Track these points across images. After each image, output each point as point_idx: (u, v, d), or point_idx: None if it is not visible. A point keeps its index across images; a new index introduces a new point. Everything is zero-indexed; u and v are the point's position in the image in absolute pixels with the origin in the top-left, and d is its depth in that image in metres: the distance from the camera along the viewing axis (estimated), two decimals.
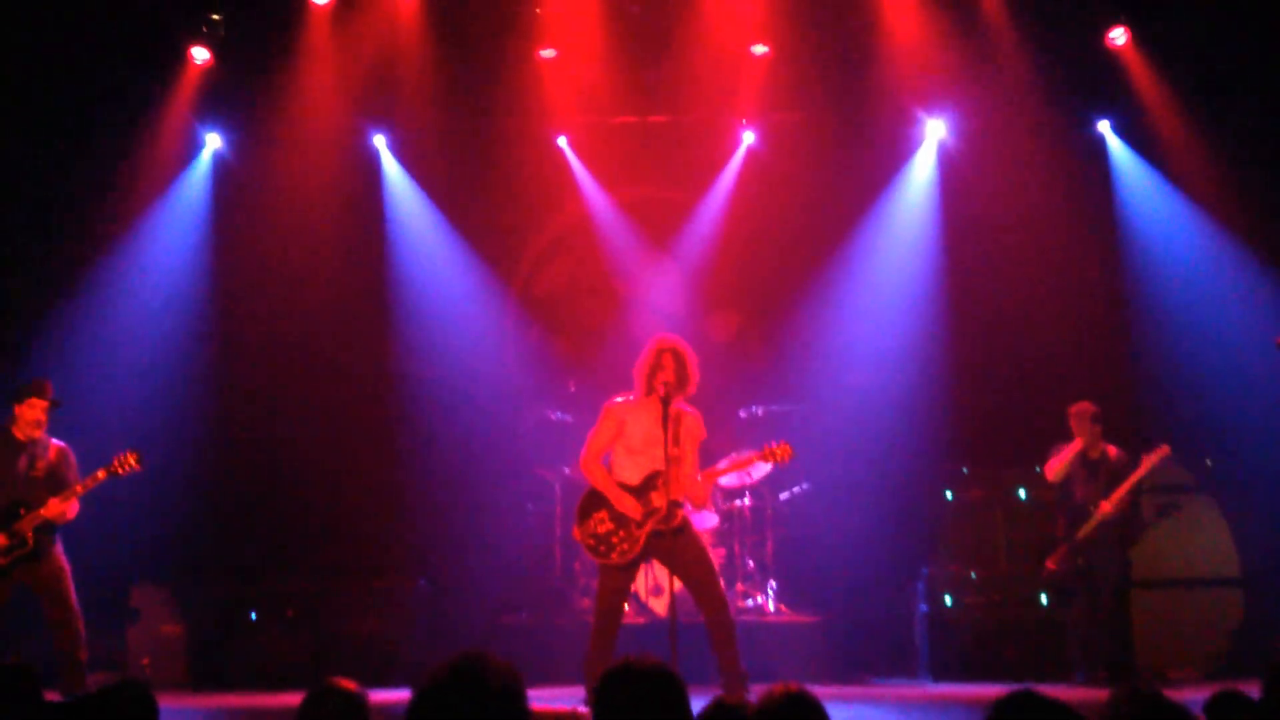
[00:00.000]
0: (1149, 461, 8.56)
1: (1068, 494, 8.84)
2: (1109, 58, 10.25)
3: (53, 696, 6.76)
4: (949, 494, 9.92)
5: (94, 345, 9.97)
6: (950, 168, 10.75)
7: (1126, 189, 10.67)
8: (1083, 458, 8.79)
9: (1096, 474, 8.73)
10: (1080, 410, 8.82)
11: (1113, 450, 8.79)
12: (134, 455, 7.53)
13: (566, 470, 9.76)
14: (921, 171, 10.83)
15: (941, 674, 9.10)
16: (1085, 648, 8.64)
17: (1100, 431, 8.79)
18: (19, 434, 7.61)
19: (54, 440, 7.75)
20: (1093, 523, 8.63)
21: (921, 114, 10.71)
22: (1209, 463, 9.50)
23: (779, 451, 7.18)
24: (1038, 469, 9.74)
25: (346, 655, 9.25)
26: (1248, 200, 9.92)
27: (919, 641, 9.44)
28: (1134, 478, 8.59)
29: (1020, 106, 10.30)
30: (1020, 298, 10.39)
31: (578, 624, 9.00)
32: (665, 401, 6.83)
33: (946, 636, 9.24)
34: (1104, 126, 10.69)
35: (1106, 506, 8.60)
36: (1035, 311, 10.35)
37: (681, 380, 6.98)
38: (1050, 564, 8.77)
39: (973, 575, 9.40)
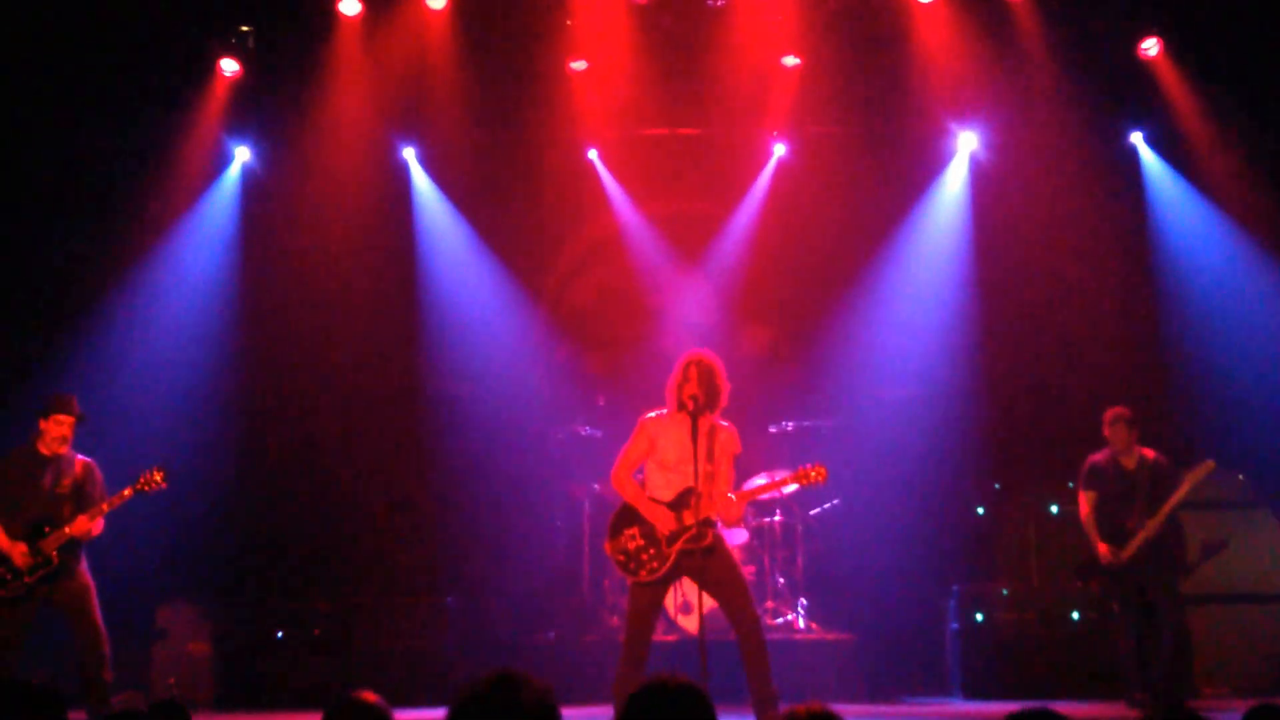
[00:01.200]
0: (1192, 478, 8.16)
1: (1105, 508, 8.42)
2: (1142, 69, 10.16)
3: (77, 717, 6.81)
4: (981, 509, 9.84)
5: (122, 360, 9.98)
6: (982, 180, 10.68)
7: (1159, 201, 10.58)
8: (1116, 468, 8.45)
9: (1136, 485, 8.35)
10: (1114, 415, 8.48)
11: (1151, 454, 8.43)
12: (160, 473, 7.51)
13: (596, 486, 9.72)
14: (954, 184, 10.76)
15: (974, 692, 9.02)
16: (1133, 671, 8.24)
17: (1136, 437, 8.44)
18: (44, 450, 7.56)
19: (80, 456, 7.71)
20: (1135, 543, 8.20)
21: (953, 126, 10.65)
22: (1241, 478, 9.39)
23: (814, 474, 7.10)
24: (1070, 484, 9.67)
25: (374, 674, 9.19)
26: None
27: (951, 659, 9.37)
28: (1177, 496, 8.19)
29: (1052, 118, 10.23)
30: (1053, 311, 10.35)
31: (607, 642, 8.96)
32: (694, 416, 6.78)
33: (979, 653, 9.15)
34: (1136, 138, 10.59)
35: (1151, 526, 8.18)
36: (1068, 325, 10.29)
37: (710, 394, 6.92)
38: (1094, 586, 8.53)
39: (1005, 592, 9.31)
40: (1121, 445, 8.44)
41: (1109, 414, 8.50)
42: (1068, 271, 10.30)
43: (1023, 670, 9.04)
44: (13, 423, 8.17)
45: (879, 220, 10.78)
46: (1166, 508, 8.21)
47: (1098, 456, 8.52)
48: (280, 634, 9.62)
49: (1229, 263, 10.16)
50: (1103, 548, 8.27)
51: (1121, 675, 8.33)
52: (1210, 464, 8.17)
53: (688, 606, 9.07)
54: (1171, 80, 10.14)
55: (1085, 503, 8.48)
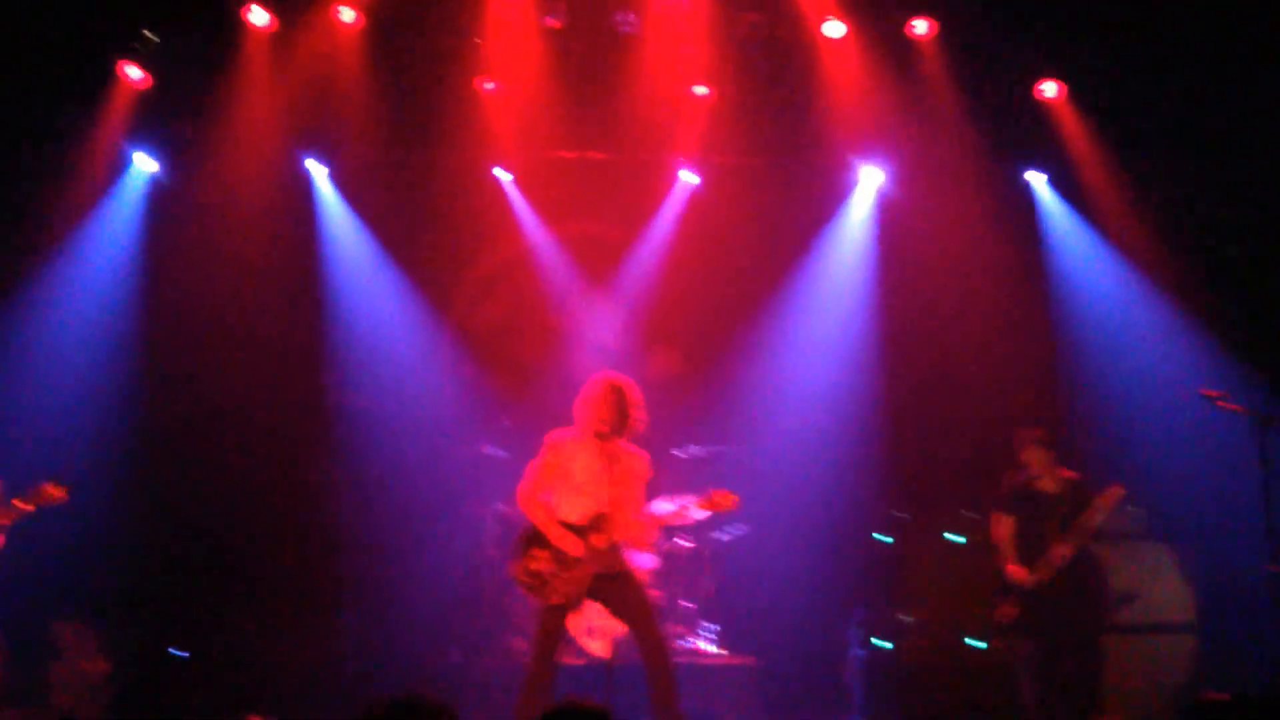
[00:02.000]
0: (1101, 503, 8.05)
1: (1023, 533, 8.28)
2: (1040, 109, 10.42)
3: None
4: (886, 538, 9.97)
5: (17, 370, 9.69)
6: (886, 214, 10.84)
7: (1056, 238, 10.83)
8: (1032, 492, 8.29)
9: (1054, 510, 8.19)
10: (1028, 437, 8.34)
11: (1074, 477, 8.31)
12: (59, 487, 7.31)
13: (500, 506, 9.65)
14: (858, 217, 10.91)
15: (875, 718, 9.11)
16: (1039, 700, 8.25)
17: (1053, 458, 8.31)
18: None
19: None
20: (1049, 569, 8.10)
21: (858, 161, 10.81)
22: (1132, 510, 9.61)
23: (723, 501, 7.15)
24: (972, 514, 9.85)
25: (272, 692, 9.01)
26: (1173, 251, 10.15)
27: (853, 684, 9.44)
28: (1086, 522, 8.06)
29: (954, 155, 10.42)
30: (954, 343, 10.51)
31: (509, 664, 8.90)
32: (603, 439, 6.80)
33: (880, 680, 9.25)
34: (1034, 176, 10.85)
35: (1063, 551, 8.07)
36: (968, 357, 10.46)
37: (623, 418, 6.95)
38: (1006, 611, 8.26)
39: (907, 619, 9.44)
40: (1036, 468, 8.29)
41: (1022, 435, 8.38)
42: (968, 304, 10.51)
43: (924, 697, 9.15)
44: None
45: (786, 249, 10.89)
46: (1073, 536, 8.08)
47: (1015, 479, 8.41)
48: (178, 651, 9.44)
49: (1123, 299, 10.44)
50: (1011, 567, 8.17)
51: (1023, 705, 8.37)
52: (1120, 490, 8.07)
53: (593, 630, 9.00)
54: (1069, 121, 10.42)
55: (1001, 526, 8.36)
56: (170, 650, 9.46)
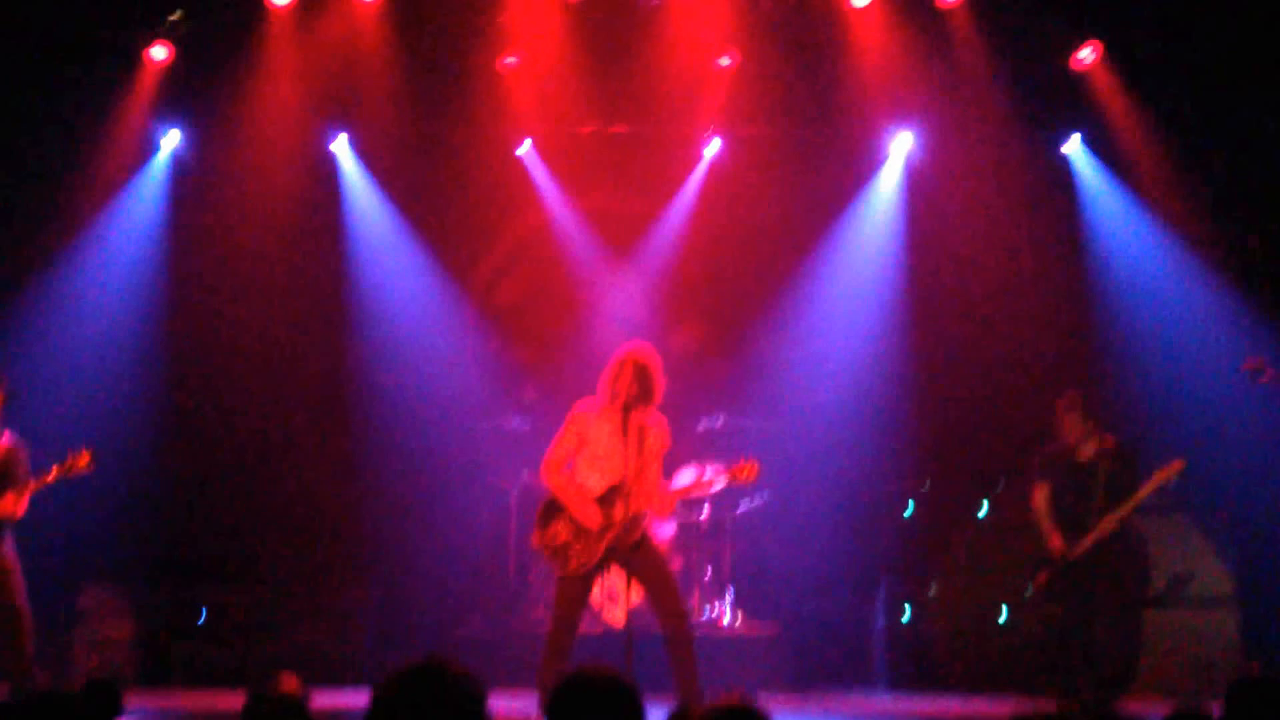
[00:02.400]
0: (1159, 477, 7.75)
1: (1061, 502, 8.05)
2: (1077, 75, 10.27)
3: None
4: (909, 509, 9.92)
5: (48, 342, 9.79)
6: (916, 182, 10.71)
7: (1093, 206, 10.64)
8: (1070, 459, 8.03)
9: (1094, 477, 7.94)
10: (1066, 402, 8.07)
11: (1111, 443, 8.01)
12: (87, 455, 7.42)
13: (523, 478, 9.69)
14: (887, 186, 10.78)
15: (899, 687, 9.10)
16: (1071, 671, 7.98)
17: (1094, 427, 8.01)
18: None
19: (8, 433, 7.58)
20: (1087, 540, 7.86)
21: (888, 128, 10.68)
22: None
23: (745, 471, 7.12)
24: (997, 486, 9.79)
25: (297, 659, 9.06)
26: (1213, 218, 9.97)
27: (877, 654, 9.42)
28: (1140, 495, 7.80)
29: (988, 122, 10.30)
30: (986, 314, 10.40)
31: (531, 633, 8.92)
32: (625, 410, 6.79)
33: (904, 650, 9.25)
34: (1072, 143, 10.66)
35: (1103, 525, 7.83)
36: (1000, 328, 10.36)
37: (645, 390, 6.95)
38: (1041, 580, 8.02)
39: (932, 590, 9.40)
40: (1075, 434, 8.03)
41: (1062, 401, 8.11)
42: (1001, 274, 10.37)
43: (947, 667, 9.13)
44: None
45: (812, 221, 10.80)
46: (1126, 507, 7.85)
47: (1052, 448, 8.18)
48: (202, 618, 9.56)
49: (1163, 267, 10.24)
50: (1055, 540, 7.94)
51: (1058, 673, 8.12)
52: (1180, 463, 7.79)
53: (614, 599, 9.07)
54: (1107, 87, 10.26)
55: (1039, 495, 8.12)
56: (196, 615, 9.57)
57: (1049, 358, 10.22)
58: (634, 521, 6.84)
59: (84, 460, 7.41)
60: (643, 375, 6.96)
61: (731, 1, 10.10)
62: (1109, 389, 9.92)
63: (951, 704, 8.82)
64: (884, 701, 8.90)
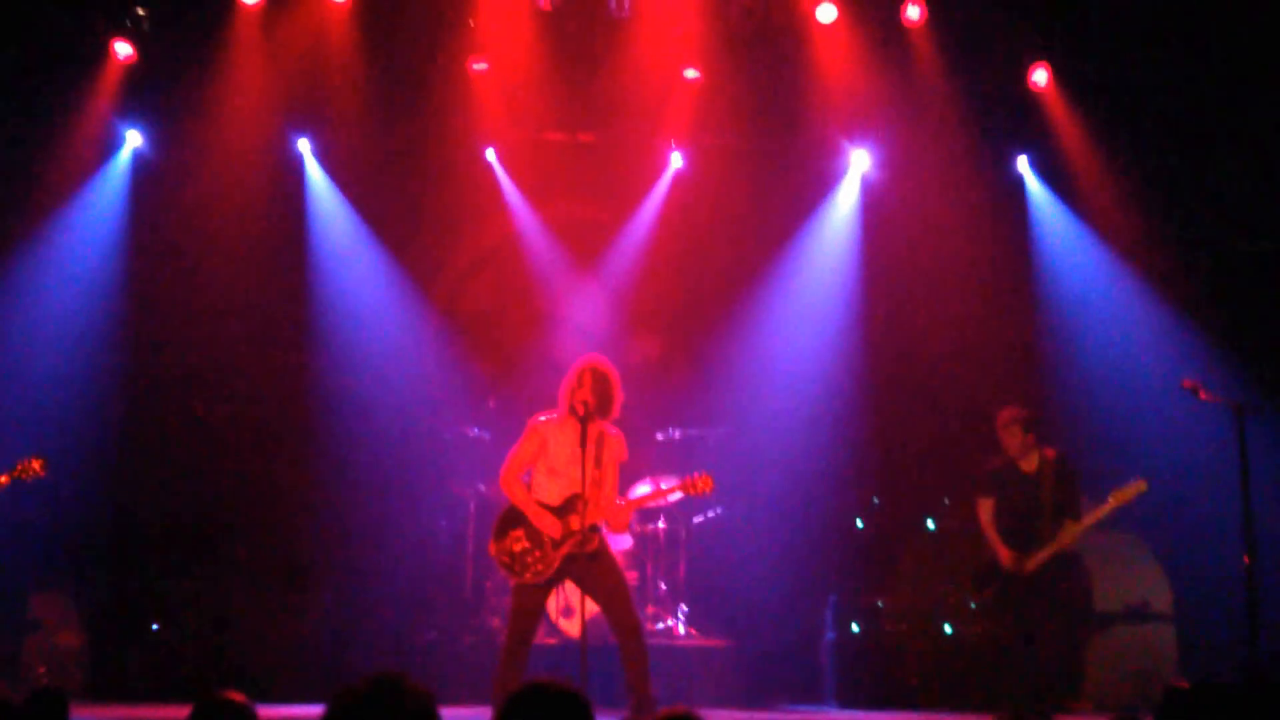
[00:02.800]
0: (1119, 497, 7.80)
1: (1007, 515, 8.13)
2: (1030, 96, 10.44)
3: None
4: (860, 522, 10.03)
5: (2, 344, 9.72)
6: (873, 198, 10.86)
7: (1042, 225, 10.85)
8: (1014, 473, 8.10)
9: (1039, 488, 8.03)
10: (1008, 418, 8.13)
11: (1052, 454, 8.12)
12: (39, 461, 7.38)
13: (482, 487, 9.70)
14: (845, 201, 10.92)
15: (848, 701, 9.19)
16: (1013, 684, 8.07)
17: (1033, 440, 8.09)
18: None
19: None
20: (1043, 554, 7.89)
21: (847, 144, 10.82)
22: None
23: (699, 483, 7.21)
24: (945, 500, 9.91)
25: (249, 668, 9.10)
26: (1158, 240, 10.18)
27: (826, 667, 9.52)
28: (1099, 513, 7.84)
29: (943, 141, 10.46)
30: (937, 329, 10.55)
31: (487, 643, 8.98)
32: (584, 421, 6.84)
33: (853, 663, 9.33)
34: (1023, 163, 10.85)
35: (1063, 538, 7.87)
36: (951, 343, 10.49)
37: (603, 401, 7.00)
38: (987, 594, 8.15)
39: (880, 603, 9.51)
40: (1017, 449, 8.11)
41: (1002, 416, 8.18)
42: (953, 288, 10.51)
43: (896, 681, 9.23)
44: None
45: (772, 233, 10.90)
46: (1086, 522, 7.91)
47: (995, 462, 8.24)
48: (154, 626, 9.48)
49: (1105, 283, 10.46)
50: (1005, 553, 7.98)
51: (1000, 687, 8.25)
52: (1142, 484, 7.82)
53: (569, 610, 9.10)
54: (1058, 109, 10.44)
55: (983, 510, 8.20)
56: (146, 624, 9.49)
57: (998, 373, 10.34)
58: (590, 532, 6.89)
59: (35, 465, 7.35)
60: (601, 387, 7.01)
61: (699, 15, 10.20)
62: (1055, 405, 10.11)
63: (899, 718, 8.93)
64: (833, 715, 8.99)
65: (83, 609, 9.46)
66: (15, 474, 7.34)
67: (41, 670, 9.09)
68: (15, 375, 9.63)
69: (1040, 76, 10.33)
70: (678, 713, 3.12)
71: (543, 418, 7.12)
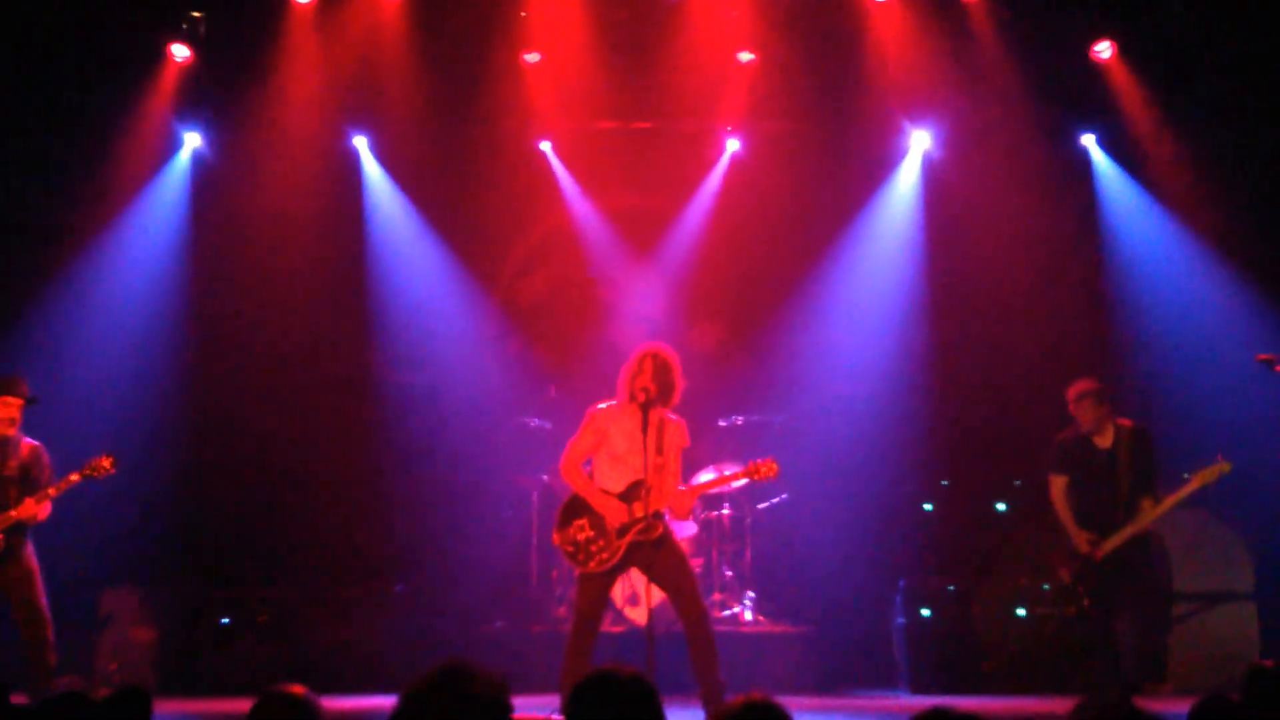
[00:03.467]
0: (1201, 478, 7.56)
1: (1080, 493, 7.88)
2: (1095, 71, 10.25)
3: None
4: (928, 506, 9.90)
5: (70, 344, 9.87)
6: (935, 178, 10.75)
7: (1110, 202, 10.66)
8: (1088, 448, 7.85)
9: (1115, 463, 7.78)
10: (1080, 391, 7.89)
11: (1128, 424, 7.87)
12: (109, 458, 7.45)
13: (545, 478, 9.71)
14: (906, 182, 10.82)
15: (919, 686, 9.05)
16: (1102, 667, 7.81)
17: (1108, 413, 7.85)
18: None
19: (27, 439, 7.64)
20: (1122, 536, 7.67)
21: (907, 124, 10.70)
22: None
23: (764, 469, 7.12)
24: (1017, 482, 9.75)
25: (318, 662, 9.18)
26: (1229, 214, 9.94)
27: (897, 653, 9.41)
28: (1180, 494, 7.61)
29: (1006, 118, 10.31)
30: (1003, 310, 10.39)
31: (553, 633, 8.97)
32: (645, 409, 6.78)
33: (924, 649, 9.20)
34: (1089, 139, 10.68)
35: (1141, 522, 7.66)
36: (1018, 324, 10.34)
37: (664, 387, 6.93)
38: (1064, 575, 7.88)
39: (951, 587, 9.38)
40: (1091, 423, 7.87)
41: (1074, 389, 7.95)
42: (1018, 269, 10.36)
43: (968, 666, 9.10)
44: None
45: (831, 216, 10.82)
46: (1167, 504, 7.67)
47: (1065, 435, 8.02)
48: (225, 621, 9.56)
49: (1179, 263, 10.24)
50: (1080, 537, 7.77)
51: (1081, 672, 8.10)
52: (1225, 465, 7.55)
53: (635, 598, 9.07)
54: (1124, 83, 10.24)
55: (1055, 487, 7.96)
56: (216, 619, 9.58)
57: (1068, 352, 10.17)
58: (654, 519, 6.83)
59: (106, 463, 7.44)
60: (662, 373, 6.95)
61: None
62: (1126, 384, 9.89)
63: (972, 703, 8.78)
64: (904, 700, 8.88)
65: (153, 604, 9.57)
66: (86, 472, 7.43)
67: (114, 666, 9.21)
68: (84, 374, 9.75)
69: (1104, 49, 10.13)
70: (757, 700, 3.07)
71: (602, 406, 7.07)
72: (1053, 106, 10.35)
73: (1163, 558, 8.74)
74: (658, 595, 7.08)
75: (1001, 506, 9.64)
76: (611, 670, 3.05)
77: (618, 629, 9.00)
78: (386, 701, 8.20)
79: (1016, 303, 10.36)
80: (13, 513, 7.33)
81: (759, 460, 7.14)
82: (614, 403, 7.06)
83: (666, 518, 7.00)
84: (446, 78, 10.37)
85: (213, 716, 7.87)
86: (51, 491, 7.40)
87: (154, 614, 9.52)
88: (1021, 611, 9.22)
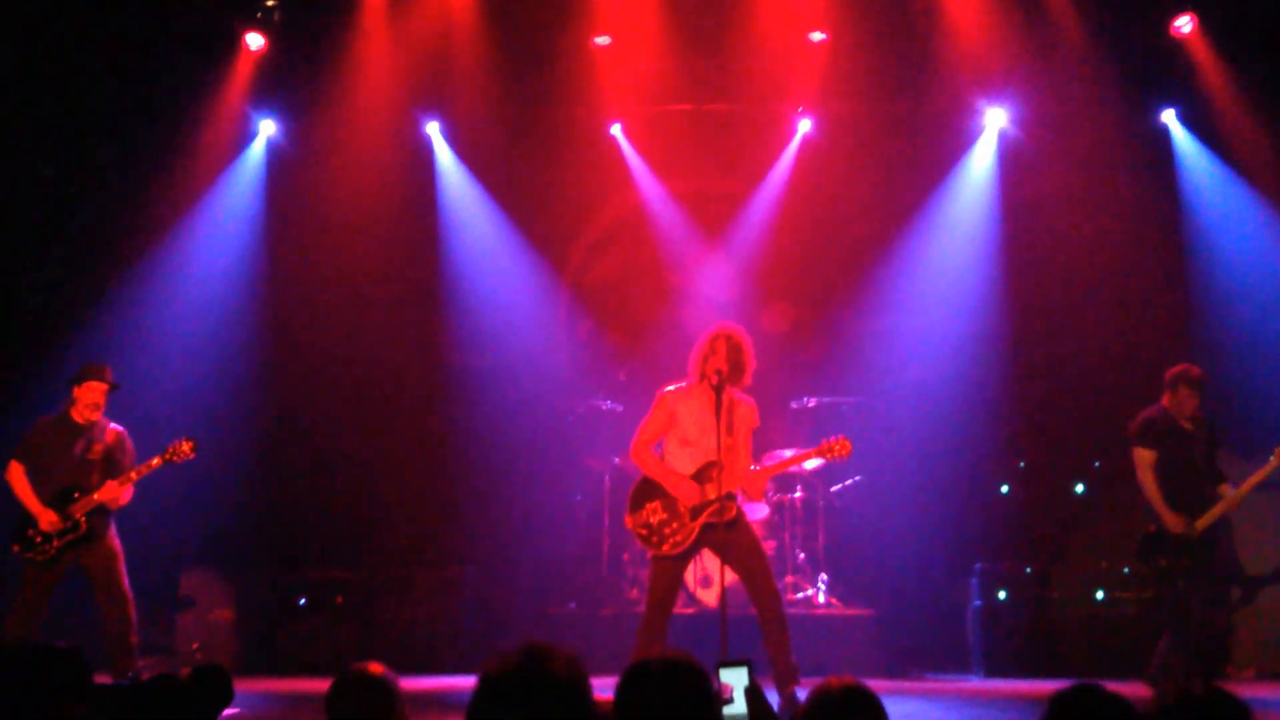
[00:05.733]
0: None
1: (1168, 472, 7.74)
2: (1175, 46, 10.03)
3: (103, 680, 6.88)
4: (1005, 488, 9.79)
5: (151, 331, 10.02)
6: (1010, 158, 10.58)
7: (1191, 180, 10.42)
8: (1176, 429, 7.78)
9: (1192, 447, 7.76)
10: (1186, 374, 7.85)
11: (1200, 414, 7.88)
12: (189, 443, 7.58)
13: (616, 460, 9.72)
14: (981, 161, 10.66)
15: (995, 669, 8.98)
16: (1184, 650, 7.65)
17: (1200, 399, 7.84)
18: (77, 417, 7.66)
19: (112, 424, 7.79)
20: (1214, 514, 7.60)
21: (982, 103, 10.54)
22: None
23: (838, 447, 7.04)
24: (1096, 464, 9.60)
25: (394, 642, 9.30)
26: None
27: (972, 636, 9.32)
28: (1264, 473, 7.53)
29: (1083, 95, 10.12)
30: (1080, 291, 10.23)
31: (624, 615, 9.00)
32: (718, 389, 6.74)
33: (1000, 631, 9.11)
34: (1169, 116, 10.44)
35: (1233, 499, 7.60)
36: (1095, 305, 10.18)
37: (736, 368, 6.88)
38: (1160, 561, 7.68)
39: (1028, 570, 9.27)
40: (1191, 407, 7.84)
41: (1178, 371, 7.93)
42: (1096, 250, 10.18)
43: (1044, 649, 9.00)
44: (47, 391, 8.28)
45: (905, 197, 10.70)
46: (1250, 483, 7.63)
47: (1152, 413, 7.91)
48: (302, 601, 9.72)
49: (1262, 243, 9.99)
50: (1173, 517, 7.65)
51: (1164, 657, 7.73)
52: None
53: (707, 580, 9.08)
54: (1205, 58, 10.01)
55: (1144, 461, 7.80)
56: (296, 600, 9.73)
57: (1146, 334, 10.01)
58: (728, 500, 6.80)
59: (186, 448, 7.57)
60: (735, 353, 6.90)
61: None
62: (1206, 365, 9.66)
63: (1049, 687, 8.67)
64: (979, 684, 8.80)
65: (232, 586, 9.73)
66: (166, 456, 7.56)
67: (196, 646, 9.40)
68: (164, 360, 9.90)
69: (1185, 24, 9.91)
70: (846, 682, 3.06)
71: (671, 388, 7.04)
72: (1132, 82, 10.13)
73: (1232, 541, 8.59)
74: (730, 577, 7.06)
75: (1080, 488, 9.49)
76: (661, 656, 3.07)
77: (689, 611, 9.00)
78: (457, 681, 8.32)
79: (1094, 283, 10.18)
80: (95, 495, 7.47)
81: (832, 439, 7.07)
82: (683, 384, 7.03)
83: (739, 499, 6.97)
84: (517, 62, 10.39)
85: (290, 695, 7.98)
86: (133, 475, 7.55)
87: (233, 595, 9.71)
88: (1100, 594, 9.10)
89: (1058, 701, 2.97)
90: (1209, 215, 10.32)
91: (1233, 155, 10.17)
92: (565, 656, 2.78)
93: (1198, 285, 10.21)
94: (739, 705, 3.45)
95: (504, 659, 2.76)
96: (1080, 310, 10.23)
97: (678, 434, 6.96)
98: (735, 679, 3.18)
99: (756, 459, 7.16)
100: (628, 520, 6.98)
